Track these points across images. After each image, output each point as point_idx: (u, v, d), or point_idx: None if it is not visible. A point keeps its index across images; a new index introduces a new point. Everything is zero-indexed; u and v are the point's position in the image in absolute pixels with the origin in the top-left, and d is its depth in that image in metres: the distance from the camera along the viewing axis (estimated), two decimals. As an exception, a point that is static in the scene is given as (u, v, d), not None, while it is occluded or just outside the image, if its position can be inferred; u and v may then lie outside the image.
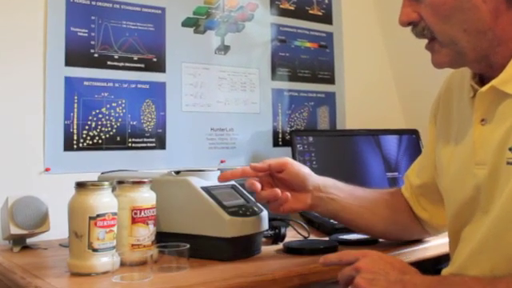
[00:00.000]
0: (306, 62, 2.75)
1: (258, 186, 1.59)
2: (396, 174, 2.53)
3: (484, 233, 1.25)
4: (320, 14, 2.83)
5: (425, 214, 1.63)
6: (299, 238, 1.83)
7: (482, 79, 1.34)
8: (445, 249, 1.65)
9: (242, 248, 1.57)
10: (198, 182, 1.60)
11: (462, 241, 1.35)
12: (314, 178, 1.66)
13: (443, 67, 1.33)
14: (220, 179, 1.63)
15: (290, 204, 1.61)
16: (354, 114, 2.88)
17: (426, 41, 1.33)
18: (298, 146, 2.34)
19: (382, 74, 3.06)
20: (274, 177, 1.65)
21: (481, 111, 1.30)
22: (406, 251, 1.67)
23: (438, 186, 1.52)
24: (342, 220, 1.71)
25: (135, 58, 2.23)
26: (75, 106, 2.08)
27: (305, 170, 1.65)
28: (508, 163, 1.21)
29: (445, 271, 1.38)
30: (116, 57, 2.18)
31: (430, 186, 1.58)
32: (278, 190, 1.58)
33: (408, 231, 1.70)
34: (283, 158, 1.66)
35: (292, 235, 1.83)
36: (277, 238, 1.77)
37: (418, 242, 1.73)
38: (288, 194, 1.60)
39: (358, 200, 1.68)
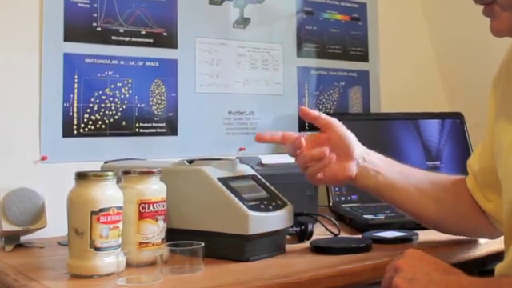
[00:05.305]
0: (335, 37, 2.73)
1: (303, 141, 1.60)
2: (437, 163, 2.51)
3: None
4: (352, -19, 2.81)
5: (489, 204, 1.57)
6: (328, 235, 1.82)
7: None
8: (493, 247, 1.64)
9: (263, 247, 1.56)
10: (213, 173, 1.59)
11: None
12: (360, 146, 1.66)
13: (502, 35, 1.30)
14: (256, 138, 1.65)
15: (334, 170, 1.61)
16: (390, 96, 2.86)
17: (476, 9, 1.31)
18: (327, 131, 2.32)
19: (421, 50, 3.03)
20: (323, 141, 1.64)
21: None
22: (448, 250, 1.66)
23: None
24: (386, 198, 1.68)
25: (143, 33, 2.22)
26: (75, 86, 2.07)
27: (351, 134, 1.66)
28: None
29: (499, 266, 1.37)
30: (121, 31, 2.18)
31: (492, 171, 1.51)
32: (327, 149, 1.59)
33: (468, 223, 1.64)
34: (334, 119, 1.67)
35: (320, 232, 1.82)
36: (303, 235, 1.76)
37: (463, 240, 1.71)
38: (334, 155, 1.60)
39: (406, 178, 1.65)
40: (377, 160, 1.65)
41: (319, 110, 2.62)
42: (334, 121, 1.65)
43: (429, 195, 1.64)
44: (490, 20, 1.30)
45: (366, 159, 1.64)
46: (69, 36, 2.07)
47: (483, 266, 1.68)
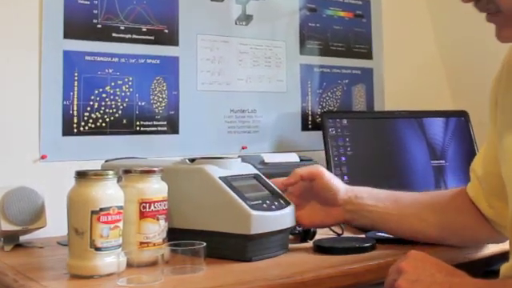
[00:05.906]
0: (339, 34, 2.72)
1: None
2: (442, 161, 2.51)
3: None
4: (355, -22, 2.81)
5: (490, 211, 1.58)
6: (331, 235, 1.82)
7: None
8: (497, 248, 1.64)
9: (266, 247, 1.56)
10: (215, 172, 1.58)
11: None
12: (346, 191, 1.70)
13: (510, 41, 1.29)
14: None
15: (321, 217, 1.71)
16: (394, 94, 2.86)
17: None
18: (330, 129, 2.32)
19: (426, 48, 3.03)
20: (307, 189, 1.71)
21: None
22: (452, 250, 1.66)
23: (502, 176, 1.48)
24: (385, 230, 1.73)
25: (144, 30, 2.22)
26: (75, 84, 2.07)
27: (336, 183, 1.71)
28: None
29: (504, 267, 1.37)
30: (122, 28, 2.17)
31: (497, 177, 1.49)
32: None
33: (471, 234, 1.66)
34: (315, 166, 1.75)
35: (323, 232, 1.82)
36: (306, 235, 1.76)
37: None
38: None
39: (400, 207, 1.68)
40: (367, 200, 1.69)
41: (322, 107, 2.62)
42: (317, 172, 1.71)
43: (427, 218, 1.66)
44: (495, 27, 1.29)
45: (354, 202, 1.69)
46: (69, 33, 2.06)
47: (488, 267, 1.67)
